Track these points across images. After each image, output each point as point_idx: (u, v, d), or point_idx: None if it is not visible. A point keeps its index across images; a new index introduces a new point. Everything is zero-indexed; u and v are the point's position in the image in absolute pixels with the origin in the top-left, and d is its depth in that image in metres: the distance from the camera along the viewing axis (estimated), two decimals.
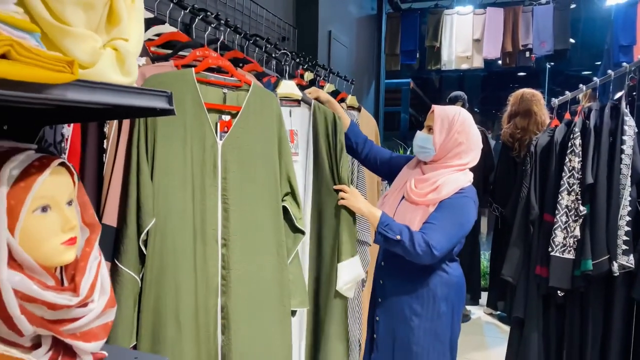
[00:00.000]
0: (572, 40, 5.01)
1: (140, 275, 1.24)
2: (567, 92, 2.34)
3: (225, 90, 1.41)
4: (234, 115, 1.42)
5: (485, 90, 8.59)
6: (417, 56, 4.99)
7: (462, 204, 1.63)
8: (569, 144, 2.02)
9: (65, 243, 0.76)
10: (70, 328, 0.78)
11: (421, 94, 7.73)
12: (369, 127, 2.93)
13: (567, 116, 2.23)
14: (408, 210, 1.68)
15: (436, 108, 1.72)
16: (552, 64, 5.66)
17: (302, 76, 2.63)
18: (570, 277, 2.05)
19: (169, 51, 1.40)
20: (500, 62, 4.69)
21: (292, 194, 1.55)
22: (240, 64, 1.90)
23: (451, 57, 4.68)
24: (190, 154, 1.31)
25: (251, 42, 1.92)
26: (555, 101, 2.39)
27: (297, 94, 1.78)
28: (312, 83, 2.65)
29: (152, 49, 1.40)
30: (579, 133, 2.01)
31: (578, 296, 2.11)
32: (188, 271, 1.30)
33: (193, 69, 1.33)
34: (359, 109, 2.83)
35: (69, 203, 0.80)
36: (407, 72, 5.63)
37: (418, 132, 1.77)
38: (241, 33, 1.88)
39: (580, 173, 2.01)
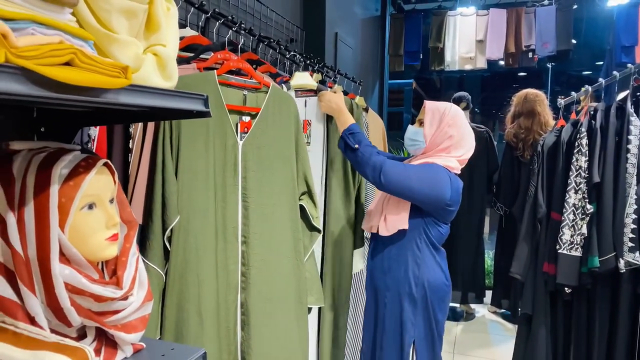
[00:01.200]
0: (574, 41, 5.05)
1: (165, 271, 1.28)
2: (573, 93, 2.39)
3: (245, 92, 1.45)
4: (253, 116, 1.46)
5: (486, 90, 8.62)
6: (421, 57, 5.03)
7: (431, 164, 1.63)
8: (576, 144, 2.06)
9: (108, 239, 0.80)
10: (113, 320, 0.82)
11: (423, 95, 7.77)
12: (376, 127, 2.97)
13: (573, 116, 2.27)
14: (383, 197, 1.72)
15: (427, 103, 1.75)
16: (554, 64, 5.71)
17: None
18: (577, 274, 2.09)
19: (190, 54, 1.44)
20: (503, 62, 4.73)
21: (309, 193, 1.59)
22: (255, 66, 1.94)
23: (454, 57, 4.72)
24: (213, 153, 1.35)
25: (265, 44, 1.96)
26: (562, 102, 2.43)
27: (312, 84, 1.82)
28: (321, 84, 2.70)
29: None
30: (585, 133, 2.05)
31: (585, 293, 2.15)
32: (210, 268, 1.34)
33: (215, 71, 1.37)
34: (366, 110, 2.87)
35: (111, 201, 0.84)
36: (411, 72, 5.66)
37: (409, 125, 1.81)
38: (255, 35, 1.92)
39: (587, 172, 2.05)
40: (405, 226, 1.64)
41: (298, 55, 2.44)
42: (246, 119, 1.44)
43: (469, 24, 4.67)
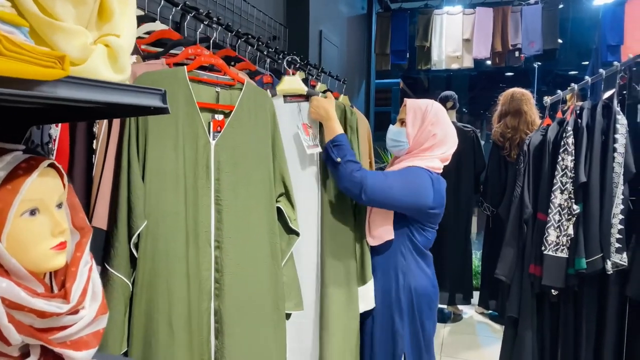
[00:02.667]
0: (560, 41, 5.05)
1: (132, 280, 1.20)
2: (559, 92, 2.35)
3: (218, 89, 1.38)
4: (227, 115, 1.39)
5: (474, 89, 8.63)
6: (408, 56, 4.99)
7: (411, 169, 1.59)
8: (562, 143, 2.02)
9: (55, 248, 0.73)
10: (60, 336, 0.74)
11: (411, 94, 7.74)
12: (362, 127, 2.91)
13: (560, 115, 2.23)
14: (376, 210, 1.66)
15: (408, 101, 1.70)
16: (541, 63, 5.71)
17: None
18: (563, 275, 2.05)
19: (160, 49, 1.37)
20: (490, 62, 4.70)
21: (287, 194, 1.53)
22: (233, 63, 1.87)
23: (441, 56, 4.69)
24: (183, 154, 1.28)
25: (243, 40, 1.89)
26: (548, 100, 2.39)
27: (302, 88, 1.75)
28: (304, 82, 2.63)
29: (143, 47, 1.37)
30: (571, 132, 2.02)
31: (572, 295, 2.11)
32: (180, 274, 1.27)
33: (185, 67, 1.30)
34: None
35: (59, 206, 0.76)
36: (398, 71, 5.62)
37: (391, 126, 1.74)
38: (232, 31, 1.85)
39: (573, 172, 2.01)
40: (391, 236, 1.60)
41: (280, 53, 2.38)
42: (219, 117, 1.37)
43: (456, 23, 4.64)
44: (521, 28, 4.44)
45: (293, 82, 1.70)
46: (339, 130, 1.64)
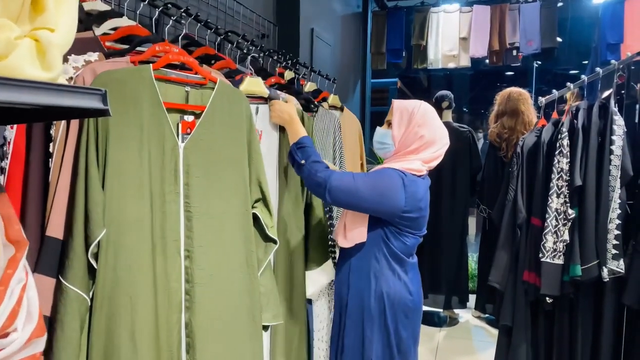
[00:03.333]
0: (559, 39, 4.96)
1: (91, 293, 1.12)
2: (554, 91, 2.26)
3: (188, 89, 1.30)
4: (198, 116, 1.31)
5: (474, 89, 8.54)
6: (404, 55, 4.91)
7: (381, 170, 1.54)
8: (557, 145, 1.94)
9: None
10: None
11: (409, 94, 7.66)
12: (351, 127, 2.84)
13: (555, 115, 2.15)
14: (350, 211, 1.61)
15: (395, 102, 1.64)
16: (540, 62, 5.62)
17: (281, 75, 2.52)
18: (559, 283, 1.97)
19: (127, 46, 1.29)
20: (487, 60, 4.62)
21: (264, 200, 1.45)
22: (212, 61, 1.79)
23: (437, 55, 4.60)
24: (148, 157, 1.20)
25: (222, 37, 1.81)
26: (543, 100, 2.31)
27: (263, 91, 1.68)
28: (292, 82, 2.56)
29: (108, 44, 1.29)
30: (566, 133, 1.93)
31: (567, 302, 2.03)
32: (146, 287, 1.19)
33: (151, 65, 1.22)
34: (341, 109, 2.73)
35: None
36: (395, 71, 5.54)
37: (377, 127, 1.68)
38: (212, 28, 1.77)
39: (568, 175, 1.93)
40: (364, 239, 1.54)
41: (265, 51, 2.30)
42: (189, 118, 1.29)
43: (452, 21, 4.55)
44: (519, 26, 4.35)
45: (254, 84, 1.63)
46: (303, 132, 1.61)
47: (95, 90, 0.72)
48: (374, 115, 6.14)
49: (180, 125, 1.27)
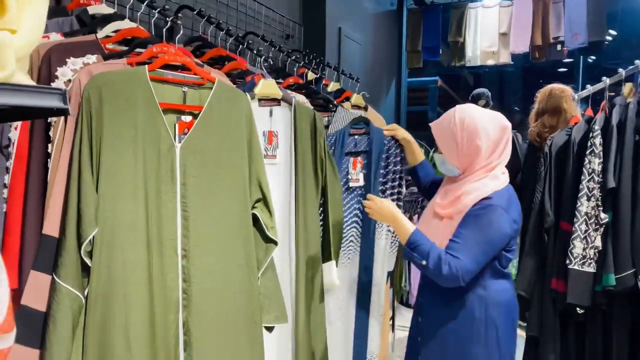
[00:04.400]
0: (613, 32, 4.66)
1: (84, 290, 1.15)
2: (588, 86, 2.11)
3: (186, 89, 1.31)
4: (196, 116, 1.31)
5: (525, 87, 8.18)
6: (440, 52, 4.77)
7: (486, 216, 1.41)
8: (588, 144, 1.80)
9: None
10: None
11: (451, 92, 7.45)
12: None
13: (589, 112, 2.00)
14: (432, 225, 1.54)
15: (432, 126, 1.56)
16: (594, 57, 5.27)
17: (301, 75, 2.51)
18: (590, 292, 1.83)
19: (127, 48, 1.31)
20: (530, 56, 4.40)
21: (264, 200, 1.43)
22: (223, 62, 1.80)
23: (476, 52, 4.43)
24: (143, 158, 1.21)
25: (233, 38, 1.81)
26: (575, 95, 2.16)
27: (277, 93, 1.67)
28: (315, 82, 2.53)
29: (110, 46, 1.31)
30: (599, 131, 1.79)
31: (600, 314, 1.88)
32: (141, 286, 1.20)
33: (146, 66, 1.23)
34: (365, 108, 2.68)
35: None
36: (431, 69, 5.40)
37: (435, 155, 1.61)
38: (223, 29, 1.77)
39: (600, 176, 1.79)
40: None
41: (287, 52, 2.29)
42: (187, 118, 1.30)
43: (492, 16, 4.38)
44: (564, 19, 4.12)
45: (268, 86, 1.62)
46: (410, 227, 1.48)
47: (55, 90, 0.72)
48: (413, 115, 6.01)
49: (177, 125, 1.28)
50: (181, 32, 1.50)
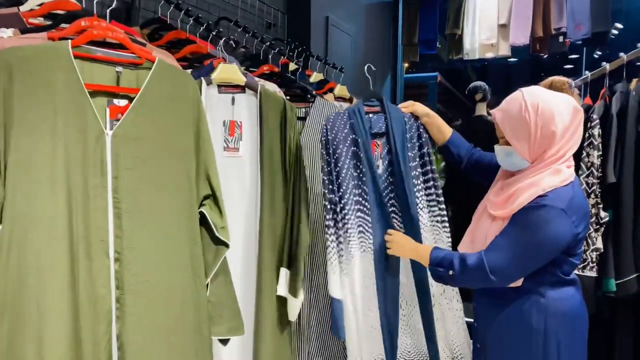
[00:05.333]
0: (620, 26, 4.45)
1: None
2: (586, 72, 1.93)
3: (120, 69, 1.15)
4: (132, 100, 1.15)
5: (529, 82, 7.97)
6: (438, 45, 4.59)
7: (537, 216, 1.24)
8: (586, 135, 1.62)
9: None
10: None
11: (452, 88, 7.23)
12: None
13: (587, 101, 1.82)
14: (485, 225, 1.38)
15: (495, 113, 1.35)
16: (599, 53, 5.05)
17: (285, 65, 2.35)
18: (593, 299, 1.66)
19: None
20: (530, 49, 4.20)
21: (214, 197, 1.27)
22: (182, 46, 1.65)
23: (474, 45, 4.24)
24: (64, 146, 1.05)
25: (193, 18, 1.65)
26: (572, 82, 1.98)
27: (239, 78, 1.50)
28: (294, 73, 2.37)
29: (33, 20, 1.16)
30: (597, 121, 1.62)
31: (603, 323, 1.71)
32: (59, 292, 1.04)
33: (70, 41, 1.07)
34: (350, 100, 2.51)
35: None
36: (427, 62, 5.22)
37: (495, 147, 1.40)
38: (182, 10, 1.62)
39: (600, 170, 1.61)
40: (519, 283, 1.31)
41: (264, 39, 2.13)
42: (121, 102, 1.14)
43: (491, 7, 4.18)
44: (566, 9, 3.92)
45: (229, 71, 1.46)
46: (427, 248, 1.44)
47: None
48: None
49: (108, 110, 1.12)
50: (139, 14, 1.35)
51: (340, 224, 1.59)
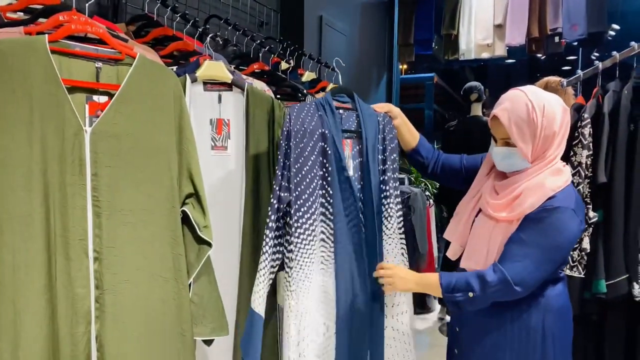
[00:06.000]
0: (616, 27, 4.46)
1: None
2: (578, 71, 1.91)
3: (99, 65, 1.13)
4: (112, 96, 1.13)
5: (532, 81, 7.98)
6: (433, 45, 4.58)
7: (553, 219, 1.23)
8: (575, 134, 1.61)
9: None
10: None
11: (449, 89, 7.25)
12: None
13: (579, 100, 1.81)
14: (486, 229, 1.33)
15: (499, 114, 1.28)
16: (597, 54, 5.05)
17: (276, 64, 2.34)
18: (578, 300, 1.64)
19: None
20: (526, 49, 4.19)
21: (196, 195, 1.25)
22: (168, 42, 1.63)
23: (470, 45, 4.23)
24: (41, 143, 1.03)
25: (179, 15, 1.63)
26: (564, 82, 1.97)
27: (226, 76, 1.49)
28: (289, 72, 2.36)
29: (11, 15, 1.14)
30: (589, 120, 1.60)
31: (591, 324, 1.69)
32: (36, 292, 1.02)
33: (47, 35, 1.05)
34: None
35: None
36: (424, 62, 5.22)
37: (495, 148, 1.34)
38: (169, 6, 1.60)
39: (590, 170, 1.59)
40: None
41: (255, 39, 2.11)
42: (100, 99, 1.12)
43: (486, 7, 4.17)
44: (562, 9, 3.91)
45: (214, 68, 1.44)
46: (433, 279, 1.32)
47: None
48: (408, 113, 5.81)
49: (87, 106, 1.10)
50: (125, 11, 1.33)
51: (293, 229, 1.35)
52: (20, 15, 1.16)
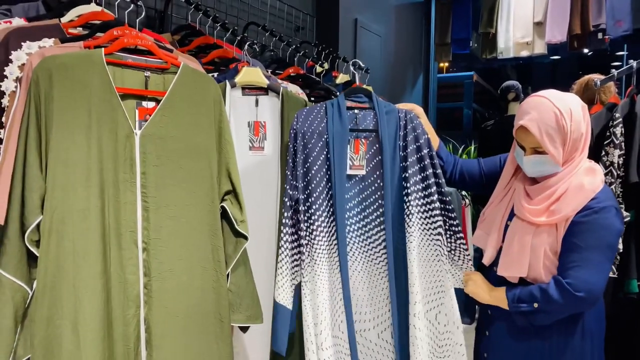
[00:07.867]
0: None
1: (29, 280, 1.11)
2: (613, 71, 1.89)
3: (148, 74, 1.25)
4: (160, 102, 1.25)
5: (576, 79, 7.73)
6: (471, 44, 4.54)
7: (602, 220, 1.23)
8: (607, 133, 1.61)
9: None
10: None
11: (489, 87, 7.12)
12: None
13: (613, 99, 1.79)
14: (526, 233, 1.31)
15: (528, 125, 1.26)
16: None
17: (311, 68, 2.42)
18: (612, 300, 1.64)
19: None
20: (568, 47, 4.10)
21: (234, 192, 1.35)
22: (209, 50, 1.75)
23: (508, 43, 4.17)
24: (97, 144, 1.16)
25: (219, 24, 1.75)
26: (598, 82, 1.95)
27: (262, 80, 1.59)
28: (324, 75, 2.44)
29: (72, 30, 1.28)
30: (620, 119, 1.60)
31: (623, 325, 1.68)
32: (94, 278, 1.15)
33: (103, 49, 1.18)
34: None
35: None
36: (462, 61, 5.18)
37: (524, 157, 1.32)
38: (210, 16, 1.72)
39: (622, 169, 1.59)
40: None
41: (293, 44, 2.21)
42: (149, 104, 1.24)
43: (526, 5, 4.11)
44: (605, 5, 3.80)
45: (252, 74, 1.54)
46: (502, 292, 1.33)
47: None
48: (446, 112, 5.79)
49: (137, 111, 1.22)
50: (171, 21, 1.45)
51: (305, 225, 1.41)
52: (80, 30, 1.29)
